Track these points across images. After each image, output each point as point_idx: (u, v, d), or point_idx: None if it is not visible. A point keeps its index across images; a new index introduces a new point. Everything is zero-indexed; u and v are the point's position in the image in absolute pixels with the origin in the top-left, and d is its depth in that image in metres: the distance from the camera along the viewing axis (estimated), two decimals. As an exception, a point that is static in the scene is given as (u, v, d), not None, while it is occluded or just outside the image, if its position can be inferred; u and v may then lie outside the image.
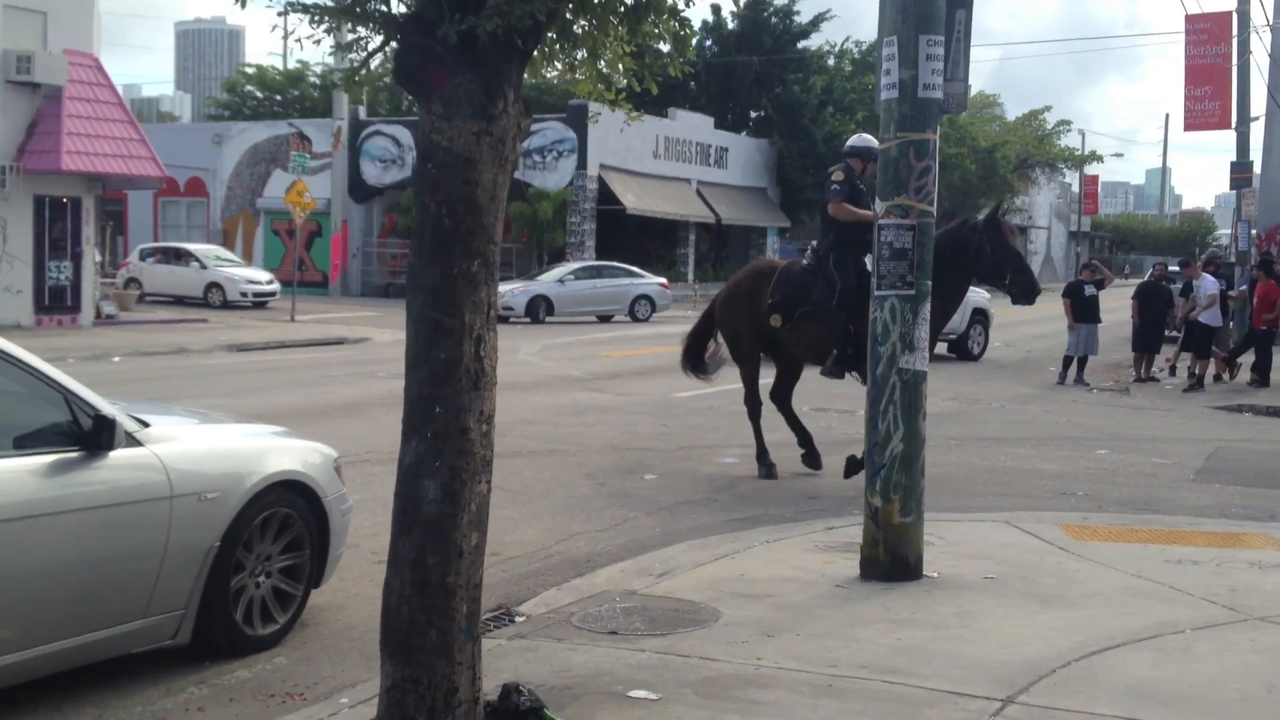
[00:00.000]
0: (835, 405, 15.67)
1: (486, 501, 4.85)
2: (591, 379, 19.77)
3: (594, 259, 43.18)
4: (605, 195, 43.08)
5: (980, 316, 24.97)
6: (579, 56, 4.94)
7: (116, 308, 30.62)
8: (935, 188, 7.39)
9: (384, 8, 4.59)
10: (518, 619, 6.86)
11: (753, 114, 55.60)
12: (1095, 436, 14.45)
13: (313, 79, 55.90)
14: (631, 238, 47.23)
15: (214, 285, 36.73)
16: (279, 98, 57.28)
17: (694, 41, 5.01)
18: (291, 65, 59.31)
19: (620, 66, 5.02)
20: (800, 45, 55.00)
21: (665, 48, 5.08)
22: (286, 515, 6.57)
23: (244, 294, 36.66)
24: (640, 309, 35.39)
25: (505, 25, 4.25)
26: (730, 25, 54.63)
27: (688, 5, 4.95)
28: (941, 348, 24.69)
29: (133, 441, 5.79)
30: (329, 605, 7.28)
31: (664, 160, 46.92)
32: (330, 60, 55.17)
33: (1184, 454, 13.22)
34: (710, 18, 54.72)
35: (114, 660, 5.91)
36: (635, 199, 43.57)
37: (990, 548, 8.36)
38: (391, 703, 4.75)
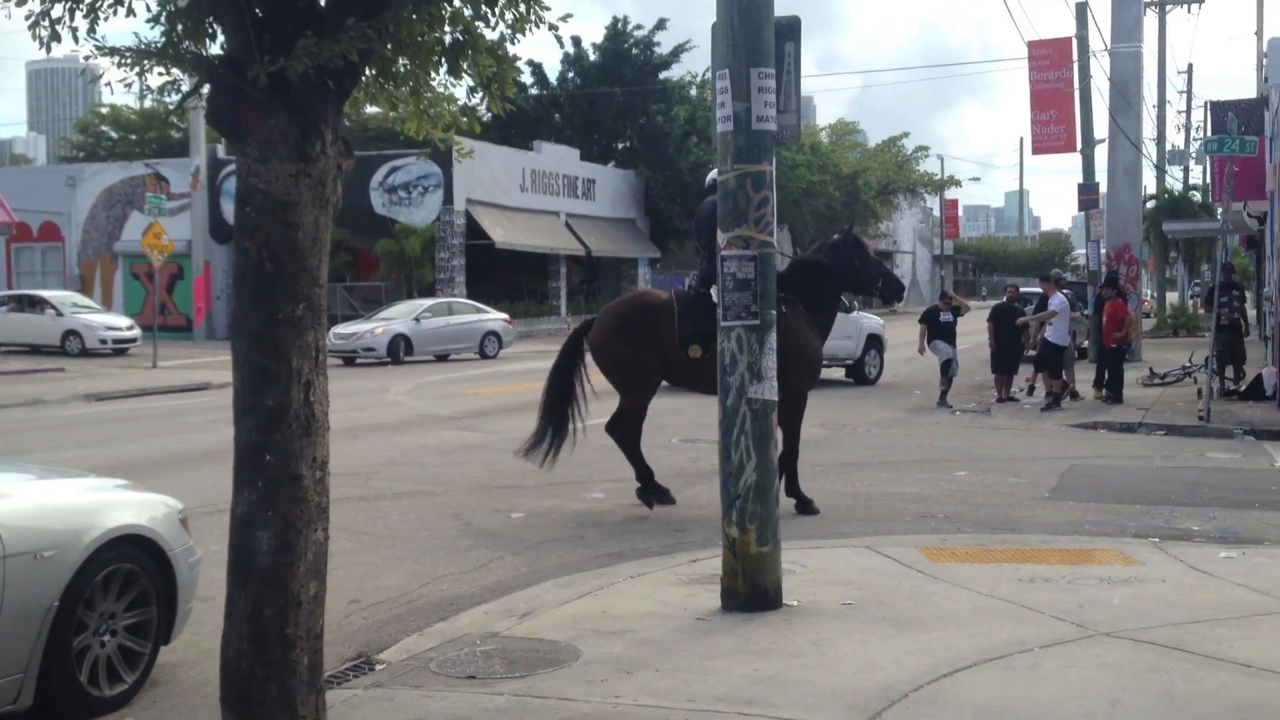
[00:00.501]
0: (705, 435, 15.73)
1: (324, 549, 4.76)
2: (461, 417, 19.62)
3: (464, 295, 42.95)
4: (474, 230, 42.92)
5: (875, 341, 25.52)
6: (402, 94, 4.91)
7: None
8: (774, 218, 7.50)
9: (195, 49, 4.51)
10: (378, 667, 6.74)
11: (618, 145, 55.95)
12: (955, 458, 14.73)
13: (172, 119, 54.85)
14: (503, 272, 47.11)
15: (71, 333, 35.68)
16: (134, 138, 56.08)
17: (515, 79, 5.01)
18: (148, 104, 58.11)
19: (444, 105, 5.01)
20: (662, 76, 55.57)
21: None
22: (130, 571, 6.38)
23: (103, 341, 35.69)
24: (489, 345, 35.24)
25: (316, 66, 4.21)
26: (592, 57, 54.97)
27: (509, 43, 4.97)
28: (839, 373, 25.16)
29: (-41, 502, 5.57)
30: (181, 661, 7.07)
31: (531, 193, 46.93)
32: (144, 103, 54.28)
33: (1039, 473, 13.54)
34: (571, 49, 55.03)
35: (-53, 730, 5.68)
36: (504, 233, 43.49)
37: (850, 573, 8.45)
38: (234, 761, 4.63)
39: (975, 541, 9.67)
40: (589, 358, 12.10)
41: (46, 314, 36.21)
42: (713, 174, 11.72)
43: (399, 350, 32.84)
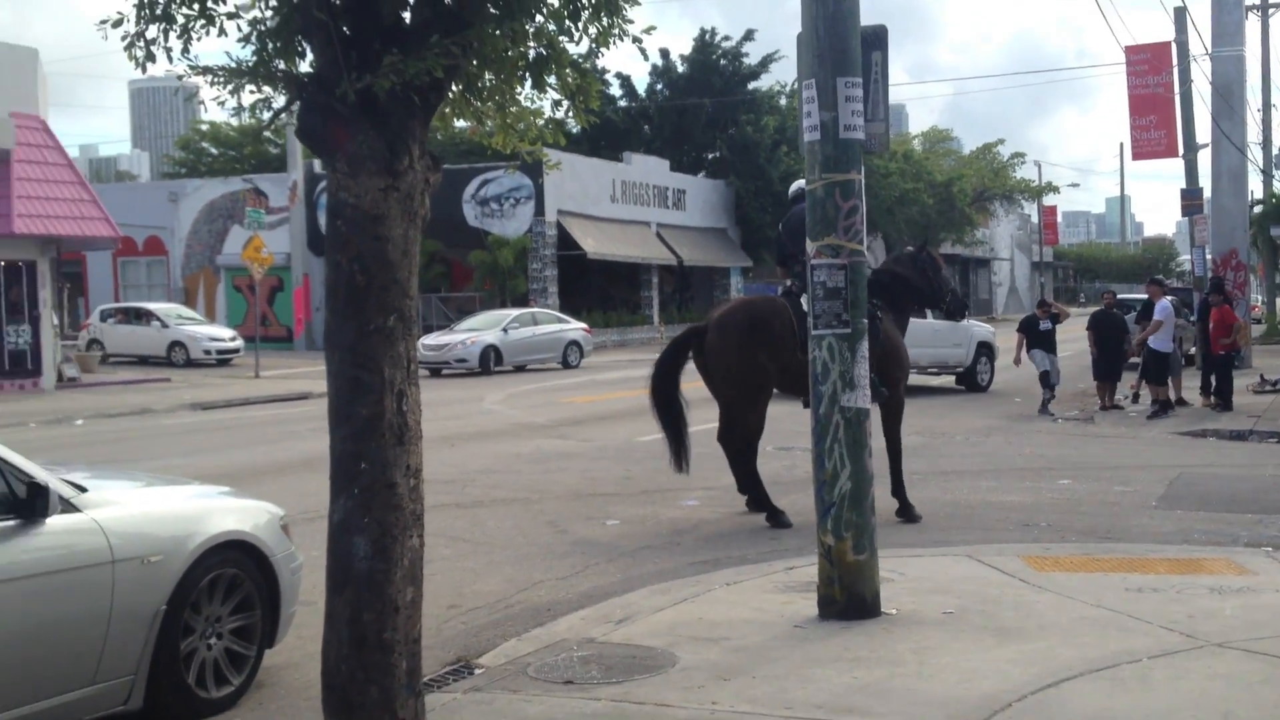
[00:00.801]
0: (799, 443, 15.64)
1: (420, 555, 4.79)
2: (555, 425, 19.71)
3: (558, 305, 43.21)
4: (565, 240, 43.18)
5: (986, 349, 25.48)
6: (488, 108, 4.94)
7: (79, 370, 30.38)
8: (864, 227, 7.45)
9: (286, 68, 4.58)
10: (476, 671, 6.77)
11: (708, 155, 55.97)
12: (1059, 466, 14.47)
13: (268, 134, 55.93)
14: (595, 282, 47.33)
15: (177, 344, 36.53)
16: (234, 154, 57.24)
17: (598, 91, 5.02)
18: (243, 121, 59.32)
19: (530, 118, 5.04)
20: (751, 86, 55.49)
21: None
22: (234, 576, 6.49)
23: (207, 352, 36.47)
24: (571, 355, 35.25)
25: (403, 83, 4.26)
26: (680, 68, 55.03)
27: (594, 57, 4.99)
28: (949, 380, 25.10)
29: (69, 507, 5.71)
30: (286, 664, 7.18)
31: (622, 204, 47.09)
32: (225, 119, 55.15)
33: (1147, 481, 13.24)
34: (660, 61, 55.13)
35: (63, 729, 5.80)
36: (595, 243, 43.69)
37: (951, 582, 8.32)
38: (335, 763, 4.67)
39: (1080, 550, 9.47)
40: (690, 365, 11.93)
41: (152, 326, 37.09)
42: (797, 184, 11.76)
43: (489, 361, 32.90)
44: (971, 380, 25.18)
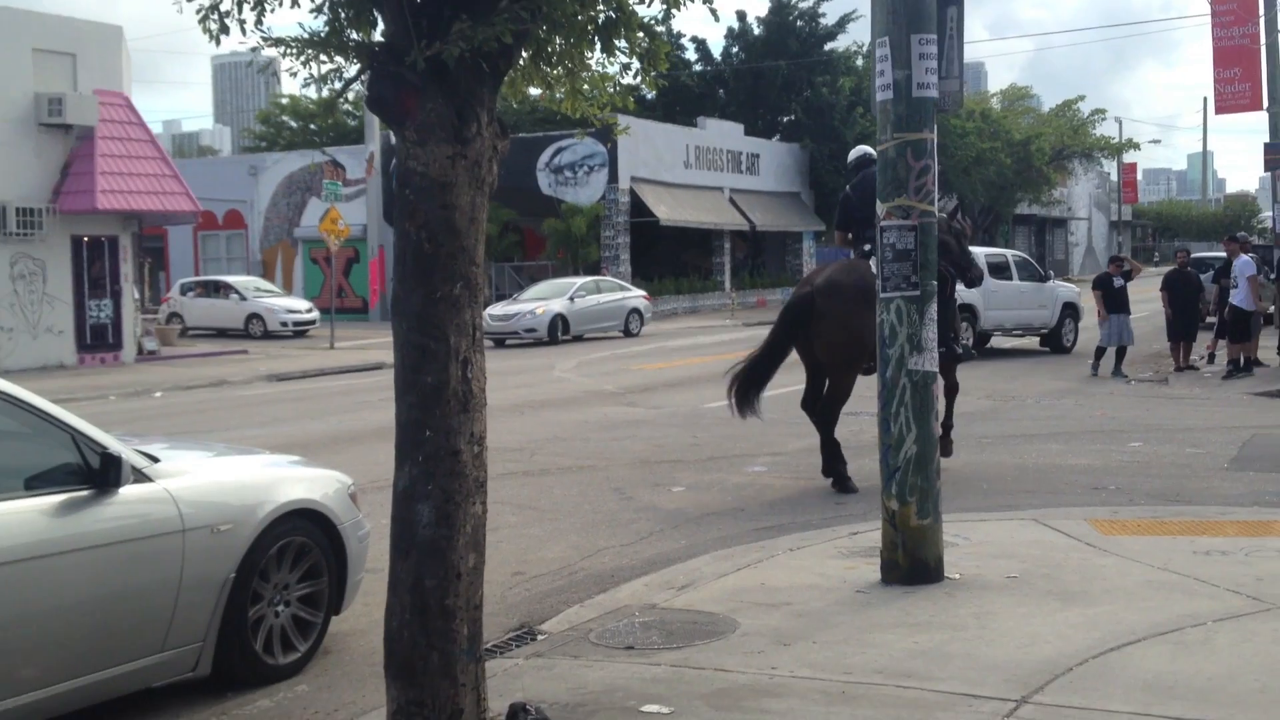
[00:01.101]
0: (866, 408, 15.58)
1: (482, 523, 4.87)
2: (623, 393, 19.80)
3: (629, 273, 43.23)
4: (638, 208, 43.15)
5: (1071, 310, 25.59)
6: (557, 74, 4.96)
7: (158, 343, 30.96)
8: (935, 187, 7.38)
9: (359, 38, 4.63)
10: (539, 637, 6.87)
11: (782, 119, 55.50)
12: (1129, 429, 14.31)
13: (345, 106, 56.37)
14: (667, 248, 47.27)
15: (254, 316, 37.09)
16: (313, 127, 57.80)
17: (667, 54, 5.02)
18: (313, 93, 59.78)
19: (600, 82, 5.05)
20: (827, 47, 54.89)
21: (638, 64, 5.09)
22: (302, 544, 6.63)
23: (284, 324, 36.99)
24: (633, 323, 35.00)
25: (471, 49, 4.29)
26: (756, 31, 54.61)
27: (665, 20, 4.98)
28: (1033, 341, 25.26)
29: (141, 477, 5.86)
30: (352, 631, 7.33)
31: (695, 170, 46.93)
32: (305, 91, 55.48)
33: (1219, 443, 13.06)
34: (736, 24, 54.75)
35: (135, 695, 5.98)
36: (668, 210, 43.61)
37: (1015, 546, 8.29)
38: (397, 727, 4.78)
39: (1148, 514, 9.39)
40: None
41: (231, 299, 37.68)
42: (856, 151, 11.83)
43: (557, 330, 32.66)
44: (1056, 342, 25.23)
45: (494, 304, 34.31)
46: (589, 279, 36.50)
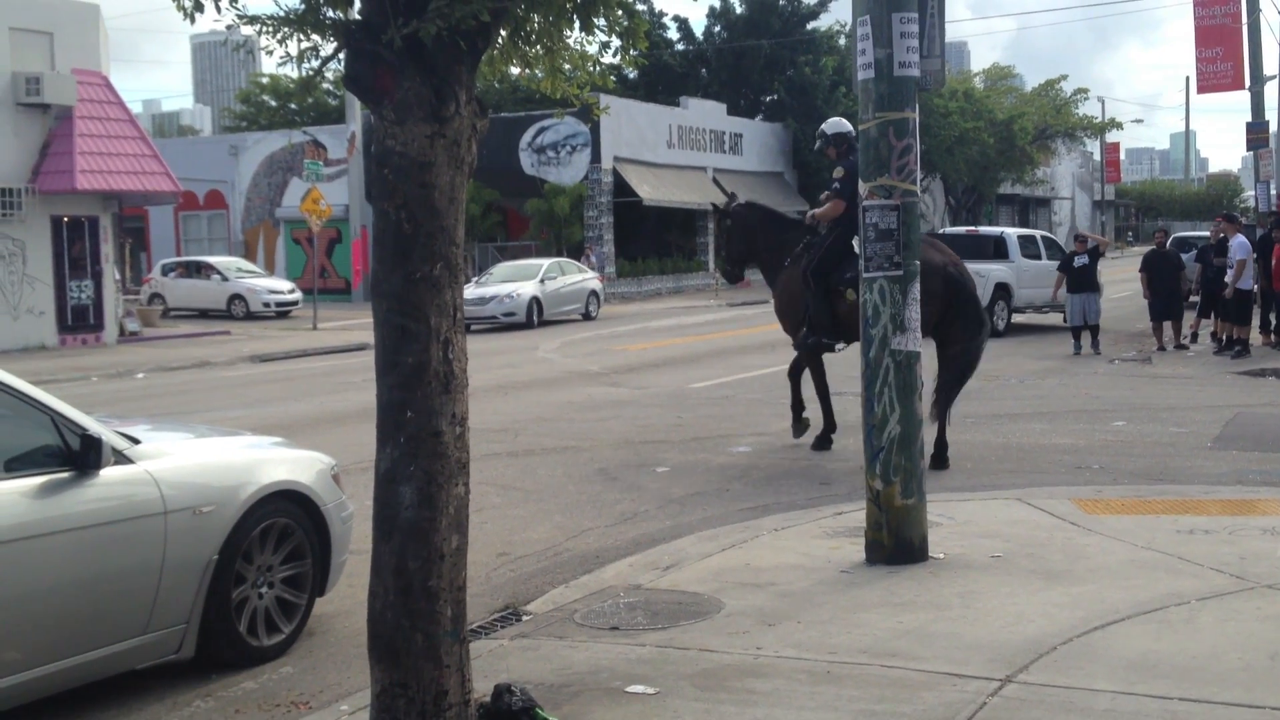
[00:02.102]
0: (851, 388, 15.60)
1: (465, 504, 4.84)
2: (607, 373, 19.78)
3: (613, 253, 43.15)
4: (621, 187, 43.07)
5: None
6: (535, 53, 4.92)
7: (140, 324, 30.82)
8: (917, 166, 7.36)
9: (336, 15, 4.58)
10: (524, 618, 6.86)
11: (765, 98, 55.44)
12: (1113, 408, 14.34)
13: (326, 85, 56.07)
14: (650, 228, 47.22)
15: (236, 297, 36.95)
16: (294, 106, 57.49)
17: (646, 32, 4.98)
18: (289, 71, 59.56)
19: (579, 61, 5.01)
20: (809, 26, 54.84)
21: (618, 42, 5.05)
22: (285, 525, 6.60)
23: (266, 304, 36.86)
24: (592, 305, 34.11)
25: (449, 27, 4.24)
26: (738, 10, 54.48)
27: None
28: (1056, 318, 25.32)
29: (122, 459, 5.82)
30: (337, 612, 7.31)
31: (678, 149, 46.85)
32: (283, 70, 55.34)
33: (1202, 422, 13.10)
34: (718, 3, 54.60)
35: (119, 677, 5.95)
36: (651, 190, 43.55)
37: (999, 526, 8.31)
38: (382, 708, 4.76)
39: (1132, 493, 9.41)
40: None
41: (213, 279, 37.53)
42: (827, 125, 11.83)
43: (533, 313, 31.76)
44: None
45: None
46: (553, 260, 35.36)
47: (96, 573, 5.60)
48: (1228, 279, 19.95)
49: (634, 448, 12.61)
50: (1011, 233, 26.53)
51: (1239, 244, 20.20)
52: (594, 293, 34.54)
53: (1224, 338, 20.36)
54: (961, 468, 10.95)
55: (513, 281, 32.48)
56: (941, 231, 31.55)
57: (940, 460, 10.89)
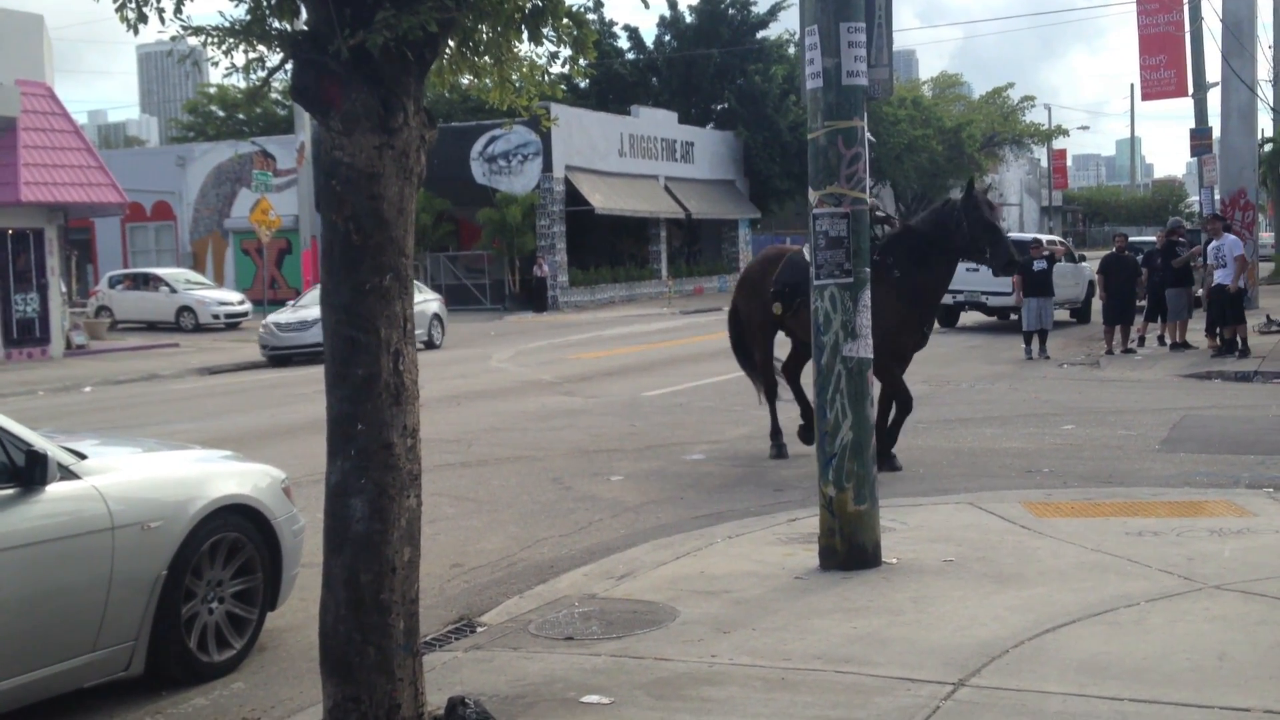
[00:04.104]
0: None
1: (417, 516, 4.82)
2: (561, 382, 19.75)
3: (566, 261, 43.09)
4: (573, 196, 43.03)
5: (1093, 286, 26.95)
6: (484, 64, 4.91)
7: (87, 337, 30.46)
8: (867, 174, 7.40)
9: (282, 26, 4.56)
10: (478, 629, 6.83)
11: (716, 107, 55.61)
12: (1062, 412, 14.48)
13: (274, 95, 55.69)
14: (603, 237, 47.23)
15: (185, 309, 36.60)
16: (242, 116, 57.08)
17: (594, 43, 4.98)
18: (236, 81, 58.98)
19: (529, 72, 5.01)
20: (759, 35, 55.06)
21: (567, 52, 5.05)
22: (235, 540, 6.54)
23: (216, 316, 36.54)
24: (435, 331, 28.75)
25: (396, 38, 4.23)
26: (688, 19, 54.64)
27: (596, 8, 4.95)
28: (1064, 314, 27.08)
29: (69, 474, 5.75)
30: (288, 626, 7.24)
31: (630, 158, 46.88)
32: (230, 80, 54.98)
33: (1150, 424, 13.24)
34: (668, 12, 54.73)
35: (67, 695, 5.87)
36: (603, 198, 43.54)
37: (951, 530, 8.35)
38: (334, 723, 4.73)
39: (1081, 496, 9.49)
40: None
41: (161, 291, 37.17)
42: None
43: None
44: (1085, 314, 28.17)
45: (276, 312, 28.35)
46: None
47: (43, 590, 5.52)
48: (1220, 278, 19.84)
49: (588, 456, 12.59)
50: (1024, 236, 28.66)
51: (1231, 243, 20.23)
52: (437, 317, 29.19)
53: (1222, 340, 20.13)
54: (914, 473, 11.02)
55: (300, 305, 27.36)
56: None
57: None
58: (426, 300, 28.45)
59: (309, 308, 25.83)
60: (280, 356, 26.05)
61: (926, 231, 11.51)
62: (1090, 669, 5.52)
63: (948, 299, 26.01)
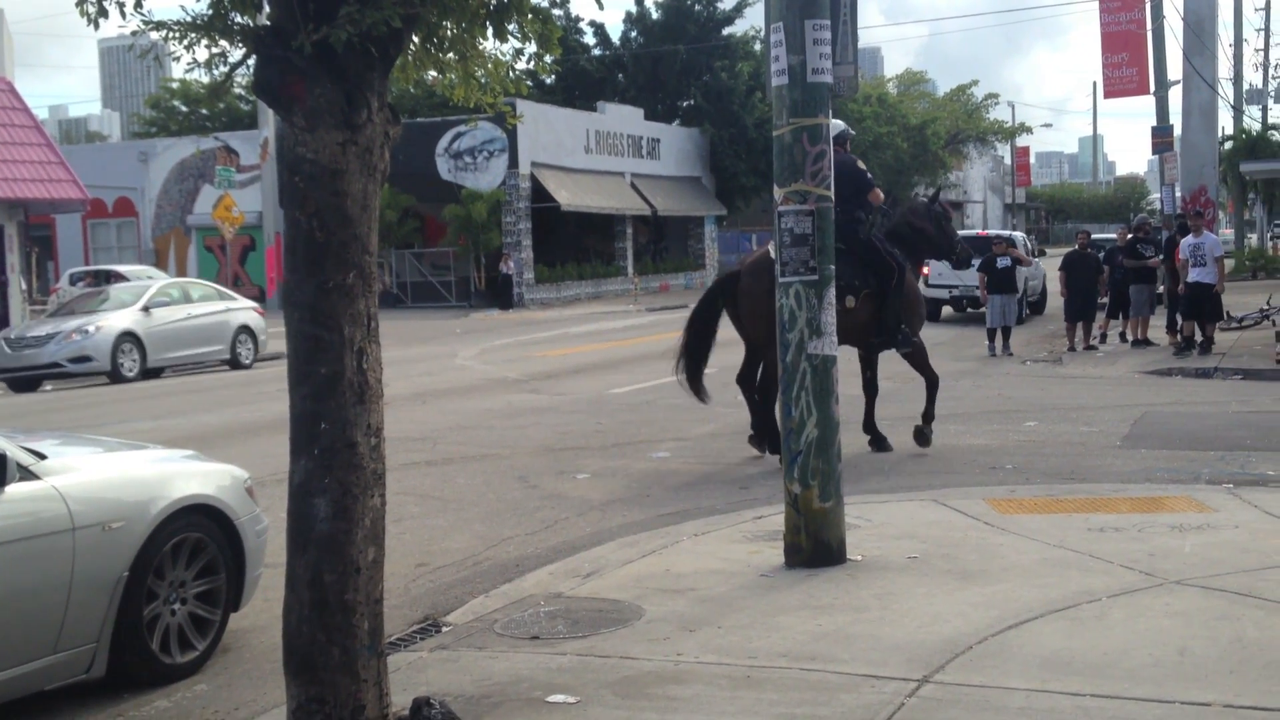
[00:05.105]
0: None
1: (382, 515, 4.80)
2: (527, 380, 19.71)
3: (532, 258, 42.98)
4: (539, 193, 42.98)
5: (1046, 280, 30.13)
6: (449, 60, 4.89)
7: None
8: (831, 171, 7.42)
9: (244, 21, 4.52)
10: (443, 629, 6.80)
11: (682, 103, 55.65)
12: (1025, 409, 14.57)
13: (238, 90, 55.32)
14: (569, 234, 47.18)
15: (147, 306, 36.24)
16: (205, 112, 56.70)
17: (559, 39, 4.98)
18: (211, 77, 58.55)
19: (494, 68, 4.99)
20: (725, 32, 55.13)
21: (532, 48, 5.04)
22: (198, 540, 6.49)
23: (178, 313, 36.18)
24: (243, 348, 24.50)
25: (360, 33, 4.21)
26: (654, 15, 54.65)
27: (562, 4, 4.94)
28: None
29: (28, 475, 5.70)
30: (252, 628, 7.20)
31: (596, 154, 46.85)
32: (193, 76, 54.67)
33: (1111, 421, 13.34)
34: (634, 8, 54.73)
35: (27, 699, 5.81)
36: (569, 195, 43.50)
37: (916, 527, 8.39)
38: (298, 725, 4.70)
39: (1044, 492, 9.56)
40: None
41: (122, 289, 36.79)
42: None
43: (123, 359, 22.24)
44: (1042, 306, 29.90)
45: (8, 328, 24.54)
46: (171, 281, 27.17)
47: (2, 591, 5.46)
48: (1198, 276, 19.74)
49: (554, 454, 12.57)
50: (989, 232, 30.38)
51: (1211, 242, 20.25)
52: (246, 329, 24.54)
53: (1182, 336, 20.14)
54: (878, 469, 11.07)
55: (93, 313, 22.88)
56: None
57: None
58: (230, 308, 24.47)
59: (55, 320, 22.97)
60: (21, 380, 21.87)
61: (924, 228, 12.69)
62: (1053, 665, 5.55)
63: (942, 293, 26.80)
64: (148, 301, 23.15)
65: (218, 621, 6.62)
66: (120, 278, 36.88)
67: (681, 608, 6.76)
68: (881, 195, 12.00)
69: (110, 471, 6.34)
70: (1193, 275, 19.90)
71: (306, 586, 4.66)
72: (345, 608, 4.66)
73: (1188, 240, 20.33)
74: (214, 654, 6.62)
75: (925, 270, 29.24)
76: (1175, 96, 30.70)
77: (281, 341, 21.38)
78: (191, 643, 6.44)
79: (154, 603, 6.20)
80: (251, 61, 4.69)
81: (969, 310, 27.52)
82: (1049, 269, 31.39)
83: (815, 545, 7.44)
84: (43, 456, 5.93)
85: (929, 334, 24.99)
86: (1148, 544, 7.65)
